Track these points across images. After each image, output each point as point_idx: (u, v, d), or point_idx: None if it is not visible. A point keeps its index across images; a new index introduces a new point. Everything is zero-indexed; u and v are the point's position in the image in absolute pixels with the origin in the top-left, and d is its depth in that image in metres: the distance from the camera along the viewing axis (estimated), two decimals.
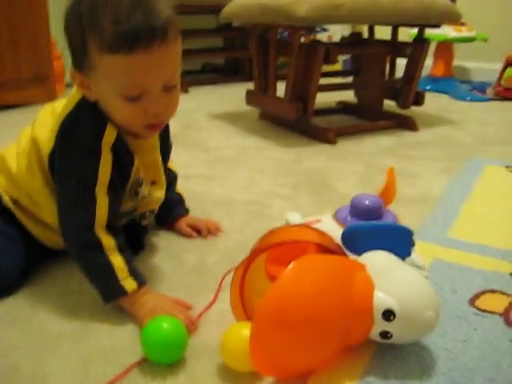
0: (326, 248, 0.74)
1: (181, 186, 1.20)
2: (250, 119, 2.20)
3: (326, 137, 1.83)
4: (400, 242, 0.75)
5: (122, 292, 0.83)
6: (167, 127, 1.03)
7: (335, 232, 0.79)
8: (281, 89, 1.96)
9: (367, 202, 0.91)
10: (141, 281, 0.85)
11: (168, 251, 1.07)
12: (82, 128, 0.86)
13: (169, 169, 1.10)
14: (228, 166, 1.62)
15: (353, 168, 1.58)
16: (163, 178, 1.02)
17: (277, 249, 0.76)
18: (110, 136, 0.85)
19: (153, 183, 0.99)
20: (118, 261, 0.84)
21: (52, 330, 0.82)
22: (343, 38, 2.25)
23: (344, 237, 0.77)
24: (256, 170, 1.57)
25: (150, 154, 0.95)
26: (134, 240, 1.00)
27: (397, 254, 0.74)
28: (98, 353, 0.76)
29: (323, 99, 2.19)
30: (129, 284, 0.84)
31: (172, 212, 1.16)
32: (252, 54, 2.09)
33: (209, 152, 1.77)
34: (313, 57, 1.78)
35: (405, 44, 2.03)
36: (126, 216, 0.97)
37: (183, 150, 1.76)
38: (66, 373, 0.72)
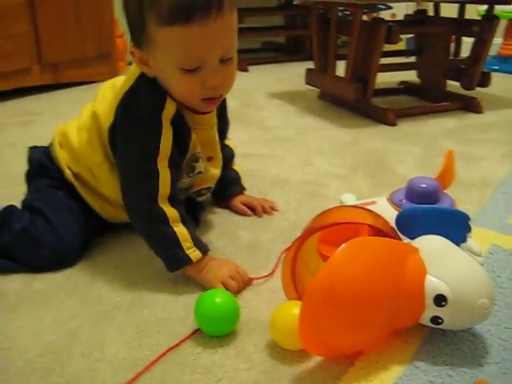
0: (379, 230, 0.74)
1: (238, 165, 1.21)
2: (309, 99, 2.18)
3: (385, 118, 1.80)
4: (456, 227, 0.74)
5: (187, 261, 0.86)
6: (224, 104, 1.03)
7: (390, 214, 0.78)
8: (341, 68, 1.93)
9: (424, 185, 0.89)
10: (204, 250, 0.88)
11: (223, 228, 1.09)
12: (142, 102, 0.88)
13: (226, 146, 1.12)
14: (285, 145, 1.62)
15: (412, 150, 1.54)
16: (220, 155, 1.03)
17: (330, 229, 0.76)
18: (169, 109, 0.87)
19: (209, 159, 1.00)
20: (182, 231, 0.87)
21: (109, 301, 0.85)
22: (407, 16, 2.19)
23: (398, 220, 0.76)
24: (313, 150, 1.56)
25: (207, 130, 0.96)
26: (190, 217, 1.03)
27: (452, 239, 0.72)
28: (151, 324, 0.79)
29: (385, 79, 2.14)
30: (194, 253, 0.87)
31: (228, 189, 1.17)
32: (312, 33, 2.06)
33: (266, 131, 1.77)
34: (374, 36, 1.74)
35: (472, 22, 1.95)
36: (182, 193, 0.99)
37: (241, 129, 1.77)
38: (121, 341, 0.75)
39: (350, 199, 1.05)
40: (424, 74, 2.15)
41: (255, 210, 1.15)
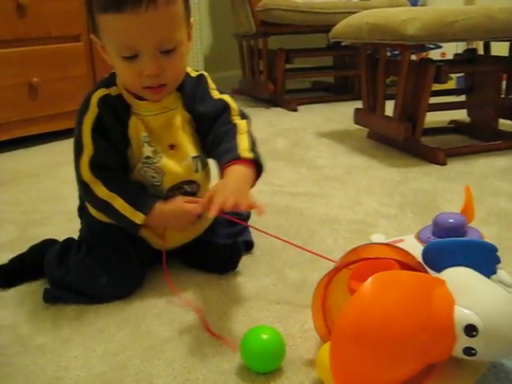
0: (407, 265, 0.74)
1: (287, 204, 1.21)
2: (358, 138, 2.19)
3: (435, 157, 1.79)
4: (484, 259, 0.72)
5: (136, 225, 0.96)
6: (199, 87, 1.02)
7: (418, 251, 0.78)
8: (390, 108, 1.94)
9: (449, 220, 0.88)
10: (145, 209, 0.95)
11: (271, 266, 1.10)
12: (93, 89, 0.99)
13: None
14: (334, 184, 1.63)
15: (462, 189, 1.52)
16: (186, 145, 1.00)
17: (360, 266, 0.76)
18: (98, 94, 0.97)
19: (172, 147, 0.99)
20: (119, 203, 0.95)
21: (158, 335, 0.87)
22: (456, 55, 2.19)
23: (425, 254, 0.76)
24: (362, 189, 1.56)
25: (158, 116, 0.98)
26: (228, 259, 1.06)
27: (482, 271, 0.71)
28: (199, 359, 0.80)
29: (435, 118, 2.14)
30: (137, 217, 0.95)
31: (221, 156, 0.95)
32: (361, 73, 2.09)
33: (315, 170, 1.79)
34: (422, 76, 1.75)
35: None
36: (158, 189, 1.00)
37: (290, 168, 1.80)
38: (170, 375, 0.77)
39: (378, 239, 1.05)
40: (474, 113, 2.14)
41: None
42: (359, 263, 0.76)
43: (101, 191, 0.95)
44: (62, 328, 0.90)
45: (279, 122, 2.55)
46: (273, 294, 0.98)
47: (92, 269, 0.98)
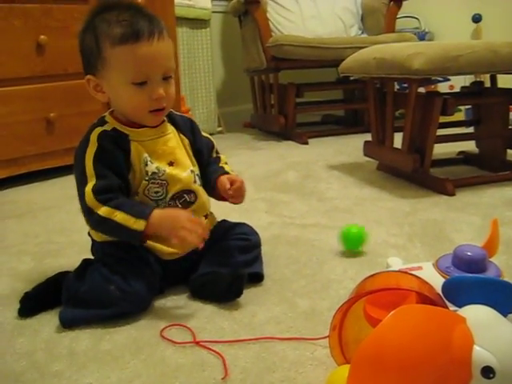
0: (425, 297, 0.75)
1: (297, 235, 1.23)
2: (368, 170, 2.21)
3: (443, 188, 1.81)
4: (503, 298, 0.73)
5: (138, 234, 1.01)
6: (193, 125, 1.21)
7: (435, 280, 0.79)
8: (398, 140, 1.97)
9: (471, 254, 0.89)
10: (145, 215, 1.02)
11: (281, 295, 1.12)
12: (87, 132, 1.09)
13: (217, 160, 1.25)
14: (344, 215, 1.65)
15: (471, 220, 1.54)
16: (183, 161, 1.14)
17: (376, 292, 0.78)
18: (96, 131, 1.07)
19: (171, 164, 1.11)
20: (120, 216, 1.01)
21: (171, 362, 0.89)
22: (463, 88, 2.23)
23: (445, 287, 0.76)
24: (371, 220, 1.58)
25: (156, 139, 1.11)
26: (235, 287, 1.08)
27: (499, 309, 0.72)
28: None
29: (444, 149, 2.16)
30: (138, 225, 1.01)
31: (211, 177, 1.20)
32: (369, 106, 2.13)
33: (325, 202, 1.81)
34: (430, 108, 1.78)
35: None
36: (161, 202, 1.09)
37: (301, 200, 1.82)
38: None
39: (396, 263, 1.06)
40: (483, 144, 2.16)
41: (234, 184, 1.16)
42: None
43: (102, 210, 1.02)
44: (78, 355, 0.92)
45: (290, 155, 2.58)
46: (283, 323, 1.00)
47: (104, 277, 1.03)
